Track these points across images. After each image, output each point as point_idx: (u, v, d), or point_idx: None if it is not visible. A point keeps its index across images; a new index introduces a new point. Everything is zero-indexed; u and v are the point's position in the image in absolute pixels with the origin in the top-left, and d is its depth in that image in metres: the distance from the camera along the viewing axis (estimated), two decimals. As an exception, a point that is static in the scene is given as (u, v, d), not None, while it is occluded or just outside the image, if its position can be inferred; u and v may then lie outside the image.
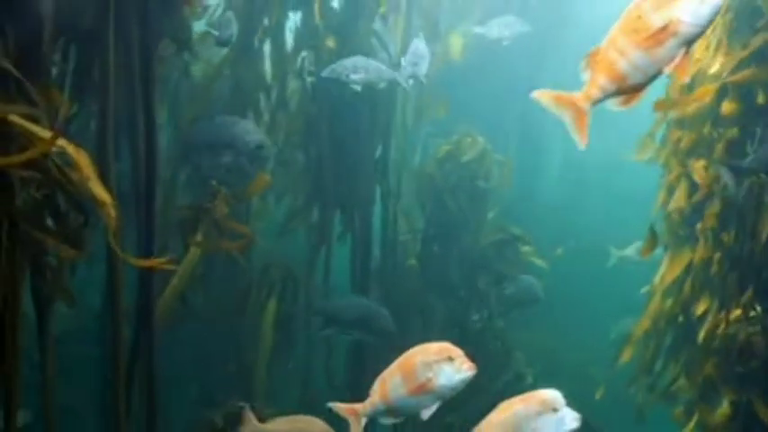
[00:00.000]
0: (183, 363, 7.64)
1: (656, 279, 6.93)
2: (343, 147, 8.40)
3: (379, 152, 8.62)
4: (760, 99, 5.75)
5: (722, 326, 6.02)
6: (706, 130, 6.29)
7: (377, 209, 8.75)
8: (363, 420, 4.02)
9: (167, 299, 6.53)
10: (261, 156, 7.10)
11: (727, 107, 6.00)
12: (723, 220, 6.09)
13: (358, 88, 7.06)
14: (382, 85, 7.15)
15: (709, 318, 6.14)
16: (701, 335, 6.21)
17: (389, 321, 7.87)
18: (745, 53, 5.88)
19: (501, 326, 9.33)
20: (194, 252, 6.70)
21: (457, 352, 3.86)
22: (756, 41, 5.86)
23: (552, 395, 3.58)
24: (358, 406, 4.01)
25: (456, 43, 10.37)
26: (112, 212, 4.13)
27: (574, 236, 12.52)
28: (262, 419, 4.96)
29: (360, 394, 8.09)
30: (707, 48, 6.20)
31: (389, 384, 3.92)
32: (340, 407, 4.08)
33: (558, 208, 13.24)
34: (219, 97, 7.89)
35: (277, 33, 7.98)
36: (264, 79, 8.08)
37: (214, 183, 7.06)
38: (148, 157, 5.58)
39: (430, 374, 3.84)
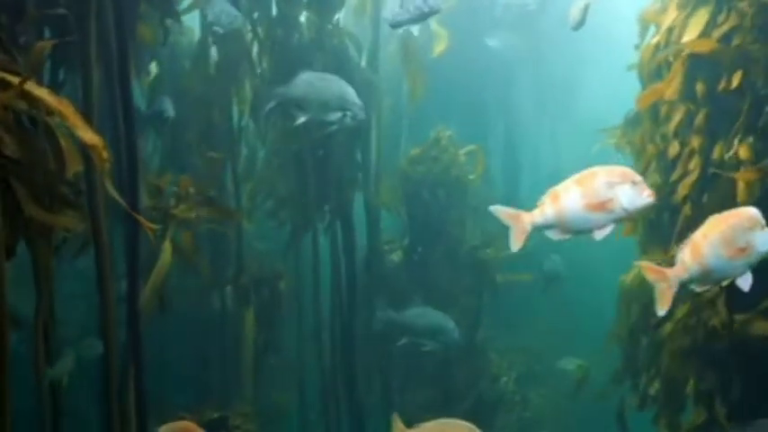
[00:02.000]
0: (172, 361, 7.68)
1: (630, 274, 6.94)
2: (324, 146, 8.41)
3: (359, 152, 8.67)
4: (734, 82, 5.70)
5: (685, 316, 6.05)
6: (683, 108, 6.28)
7: (360, 209, 8.79)
8: (529, 228, 4.02)
9: (149, 291, 6.43)
10: (359, 118, 7.02)
11: (700, 88, 6.03)
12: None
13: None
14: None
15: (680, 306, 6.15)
16: (668, 327, 6.22)
17: (457, 332, 7.97)
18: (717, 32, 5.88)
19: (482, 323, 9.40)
20: (166, 254, 6.58)
21: (639, 178, 3.96)
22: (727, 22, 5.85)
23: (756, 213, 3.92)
24: (527, 214, 4.04)
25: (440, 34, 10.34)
26: (104, 154, 4.18)
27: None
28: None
29: (353, 391, 8.27)
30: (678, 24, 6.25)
31: (565, 198, 3.98)
32: (502, 211, 4.08)
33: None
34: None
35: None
36: (250, 55, 8.10)
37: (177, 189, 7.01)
38: (128, 134, 5.55)
39: (611, 194, 3.90)
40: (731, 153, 5.70)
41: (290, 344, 8.72)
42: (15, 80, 4.05)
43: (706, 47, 5.90)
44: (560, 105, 13.33)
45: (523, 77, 12.46)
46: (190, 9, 7.78)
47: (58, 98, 4.17)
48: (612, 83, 7.69)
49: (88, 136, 4.14)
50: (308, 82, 6.94)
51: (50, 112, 4.29)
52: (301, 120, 6.80)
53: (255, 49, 8.10)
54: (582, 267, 10.85)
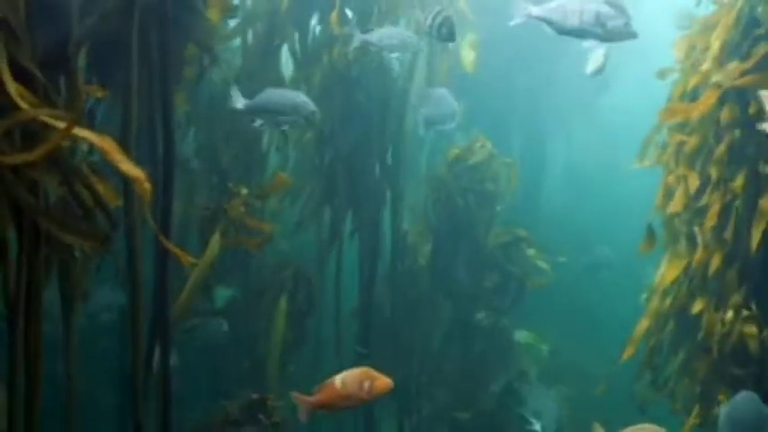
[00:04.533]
0: (199, 358, 7.89)
1: (656, 280, 7.14)
2: (354, 149, 8.69)
3: (389, 155, 8.89)
4: (751, 108, 5.96)
5: (718, 326, 6.23)
6: (709, 134, 6.51)
7: (387, 212, 9.00)
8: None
9: (186, 294, 6.70)
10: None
11: (726, 113, 6.23)
12: (722, 219, 6.28)
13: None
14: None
15: (705, 317, 6.35)
16: (700, 334, 6.42)
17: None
18: (748, 64, 6.08)
19: (506, 324, 9.57)
20: (212, 249, 6.91)
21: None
22: (758, 51, 6.08)
23: None
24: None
25: (468, 56, 10.57)
26: (147, 186, 4.22)
27: (577, 237, 12.74)
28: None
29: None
30: (710, 58, 6.42)
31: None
32: None
33: (560, 210, 13.47)
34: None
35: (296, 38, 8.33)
36: (283, 82, 8.38)
37: (231, 185, 7.42)
38: (166, 158, 5.78)
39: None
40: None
41: (311, 345, 8.92)
42: (59, 123, 4.03)
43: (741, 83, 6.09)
44: (581, 113, 13.50)
45: (546, 84, 12.62)
46: (228, 40, 8.11)
47: (100, 135, 4.19)
48: (636, 92, 7.85)
49: (130, 170, 4.18)
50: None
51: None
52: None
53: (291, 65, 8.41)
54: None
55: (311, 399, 4.94)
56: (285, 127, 7.49)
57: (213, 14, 6.39)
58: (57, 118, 4.01)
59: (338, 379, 4.93)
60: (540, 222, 12.01)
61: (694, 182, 6.58)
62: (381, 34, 7.26)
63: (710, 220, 6.33)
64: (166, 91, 5.77)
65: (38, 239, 4.21)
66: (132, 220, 5.31)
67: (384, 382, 4.94)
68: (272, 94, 7.09)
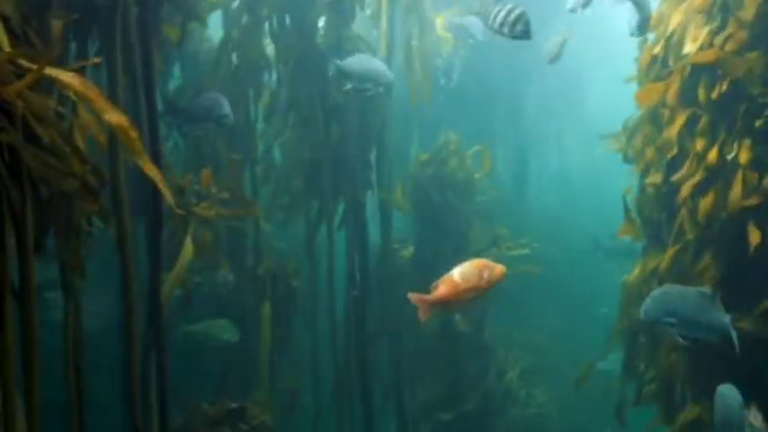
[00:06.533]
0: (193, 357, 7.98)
1: (632, 274, 7.16)
2: (339, 144, 8.74)
3: (374, 152, 8.94)
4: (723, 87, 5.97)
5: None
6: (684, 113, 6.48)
7: (374, 210, 9.07)
8: None
9: (170, 286, 6.59)
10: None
11: (701, 93, 6.22)
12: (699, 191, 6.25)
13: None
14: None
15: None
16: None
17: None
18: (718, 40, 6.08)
19: (490, 326, 9.71)
20: (186, 252, 6.75)
21: None
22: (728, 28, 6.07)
23: None
24: None
25: (447, 36, 10.62)
26: (132, 133, 4.09)
27: (564, 237, 12.85)
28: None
29: (366, 382, 8.53)
30: (681, 32, 6.47)
31: None
32: None
33: (549, 210, 13.59)
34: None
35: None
36: (267, 59, 8.46)
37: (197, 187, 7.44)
38: (152, 132, 5.80)
39: None
40: (732, 155, 5.92)
41: (305, 338, 9.01)
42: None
43: (707, 58, 6.11)
44: (567, 110, 13.60)
45: (531, 82, 12.72)
46: (212, 9, 8.13)
47: (84, 81, 4.05)
48: (617, 88, 7.92)
49: (114, 117, 4.05)
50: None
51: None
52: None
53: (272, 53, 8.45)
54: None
55: (429, 297, 4.74)
56: (368, 93, 7.58)
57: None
58: (35, 60, 3.95)
59: (456, 273, 4.80)
60: (529, 221, 12.11)
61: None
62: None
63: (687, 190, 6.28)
64: (147, 46, 5.81)
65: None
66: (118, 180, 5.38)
67: (501, 269, 4.85)
68: (360, 60, 7.35)
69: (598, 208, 12.86)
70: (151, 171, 4.17)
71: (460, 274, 4.79)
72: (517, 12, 5.29)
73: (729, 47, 6.01)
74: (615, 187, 7.48)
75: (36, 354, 4.04)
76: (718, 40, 6.12)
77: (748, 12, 5.94)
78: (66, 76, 4.01)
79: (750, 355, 5.66)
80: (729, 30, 6.05)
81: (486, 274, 4.79)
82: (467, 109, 11.33)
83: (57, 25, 4.76)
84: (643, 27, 6.74)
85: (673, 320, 5.46)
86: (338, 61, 7.46)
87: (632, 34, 6.78)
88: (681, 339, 5.48)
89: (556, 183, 14.74)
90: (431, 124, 10.78)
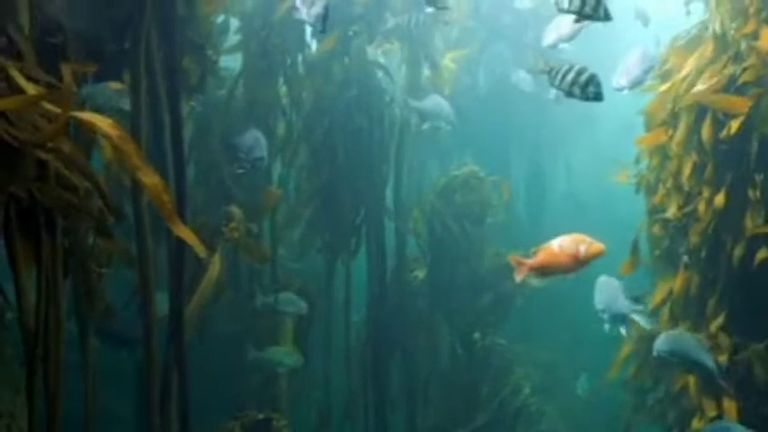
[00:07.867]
0: (212, 373, 8.21)
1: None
2: (355, 173, 9.04)
3: (391, 180, 9.26)
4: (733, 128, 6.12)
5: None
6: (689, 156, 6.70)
7: (391, 238, 9.37)
8: None
9: (193, 309, 6.73)
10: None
11: (705, 133, 6.40)
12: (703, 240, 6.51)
13: None
14: None
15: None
16: None
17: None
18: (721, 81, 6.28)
19: (502, 342, 9.92)
20: (214, 269, 6.97)
21: None
22: (727, 71, 6.28)
23: None
24: None
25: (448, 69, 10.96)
26: (166, 198, 4.08)
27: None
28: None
29: (378, 397, 8.74)
30: (684, 79, 6.66)
31: None
32: None
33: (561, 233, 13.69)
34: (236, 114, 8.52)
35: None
36: (279, 99, 8.74)
37: (230, 207, 7.71)
38: (177, 168, 5.99)
39: None
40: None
41: (319, 359, 9.21)
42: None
43: (715, 98, 6.29)
44: (579, 138, 13.81)
45: (545, 111, 12.93)
46: (230, 51, 8.40)
47: (122, 133, 3.98)
48: (629, 117, 8.09)
49: (149, 179, 4.02)
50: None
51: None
52: None
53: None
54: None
55: (529, 261, 5.13)
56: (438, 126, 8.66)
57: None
58: (56, 102, 3.95)
59: (555, 243, 5.13)
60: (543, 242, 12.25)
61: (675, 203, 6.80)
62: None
63: (693, 237, 6.48)
64: (174, 89, 5.94)
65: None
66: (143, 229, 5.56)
67: (599, 245, 5.10)
68: (433, 101, 8.50)
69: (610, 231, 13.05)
70: (182, 233, 4.25)
71: (559, 244, 5.13)
72: (588, 74, 5.27)
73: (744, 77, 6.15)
74: (627, 213, 7.66)
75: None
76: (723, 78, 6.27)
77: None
78: (104, 124, 3.97)
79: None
80: (748, 62, 6.19)
81: (583, 249, 5.08)
82: (481, 136, 11.58)
83: (66, 70, 4.72)
84: (635, 84, 6.91)
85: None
86: (414, 102, 8.52)
87: (618, 89, 6.91)
88: None
89: (568, 208, 14.88)
90: (447, 153, 11.08)
